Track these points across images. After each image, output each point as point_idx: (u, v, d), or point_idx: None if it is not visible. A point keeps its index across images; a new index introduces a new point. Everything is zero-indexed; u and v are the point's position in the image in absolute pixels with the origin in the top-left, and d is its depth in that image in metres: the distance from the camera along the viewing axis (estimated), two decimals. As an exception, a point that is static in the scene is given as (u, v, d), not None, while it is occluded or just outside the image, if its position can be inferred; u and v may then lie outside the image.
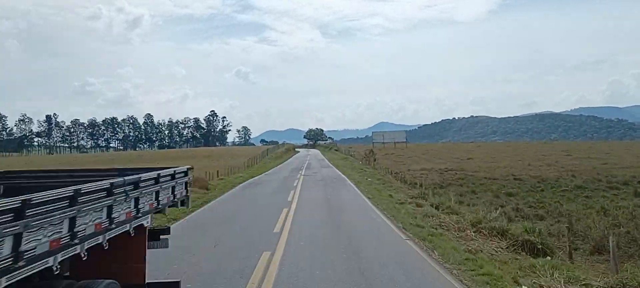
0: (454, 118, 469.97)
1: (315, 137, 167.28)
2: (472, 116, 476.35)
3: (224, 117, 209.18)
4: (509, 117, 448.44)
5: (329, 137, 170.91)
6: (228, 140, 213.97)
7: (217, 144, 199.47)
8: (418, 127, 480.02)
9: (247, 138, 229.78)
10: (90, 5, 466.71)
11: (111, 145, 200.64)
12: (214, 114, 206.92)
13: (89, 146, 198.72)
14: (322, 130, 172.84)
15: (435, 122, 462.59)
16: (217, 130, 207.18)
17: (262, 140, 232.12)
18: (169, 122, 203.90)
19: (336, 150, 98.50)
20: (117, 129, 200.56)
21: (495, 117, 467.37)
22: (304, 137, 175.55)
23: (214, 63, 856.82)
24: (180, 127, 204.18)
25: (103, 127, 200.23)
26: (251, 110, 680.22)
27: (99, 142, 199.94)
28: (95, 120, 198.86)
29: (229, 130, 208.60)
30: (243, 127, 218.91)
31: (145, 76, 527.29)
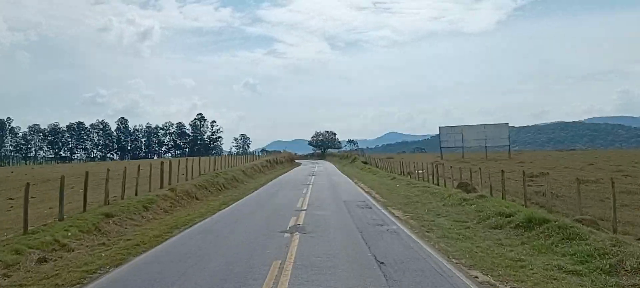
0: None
1: (324, 145, 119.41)
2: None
3: (214, 121, 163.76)
4: (528, 126, 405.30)
5: (348, 141, 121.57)
6: (224, 148, 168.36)
7: (213, 153, 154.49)
8: (431, 137, 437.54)
9: (246, 147, 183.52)
10: (101, 18, 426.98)
11: (76, 155, 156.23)
12: (201, 117, 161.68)
13: (51, 156, 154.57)
14: (334, 135, 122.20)
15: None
16: (206, 136, 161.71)
17: (263, 150, 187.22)
18: (147, 127, 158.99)
19: (364, 162, 52.18)
20: (84, 136, 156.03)
21: (513, 127, 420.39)
22: (309, 144, 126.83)
23: (223, 74, 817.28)
24: (160, 134, 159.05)
25: (67, 135, 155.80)
26: (259, 120, 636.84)
27: (62, 151, 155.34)
28: (57, 126, 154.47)
29: (220, 137, 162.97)
30: (241, 135, 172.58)
31: (155, 87, 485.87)
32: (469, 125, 57.19)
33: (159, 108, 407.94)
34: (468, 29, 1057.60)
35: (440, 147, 55.16)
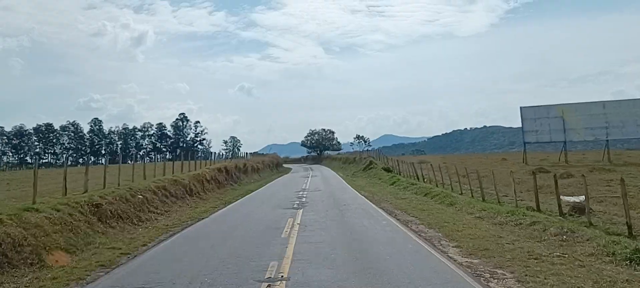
0: (466, 128, 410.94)
1: (320, 146, 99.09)
2: (484, 127, 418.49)
3: (198, 122, 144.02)
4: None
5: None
6: (213, 150, 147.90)
7: (198, 155, 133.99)
8: (428, 139, 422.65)
9: (237, 149, 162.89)
10: (95, 22, 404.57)
11: (45, 160, 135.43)
12: (184, 117, 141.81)
13: (15, 162, 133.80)
14: (332, 133, 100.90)
15: (446, 134, 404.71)
16: (189, 138, 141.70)
17: (254, 153, 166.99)
18: (123, 128, 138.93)
19: (387, 170, 32.10)
20: (53, 140, 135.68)
21: (510, 127, 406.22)
22: (302, 145, 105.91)
23: (218, 79, 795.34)
24: (137, 136, 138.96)
25: (34, 138, 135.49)
26: (254, 124, 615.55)
27: (28, 156, 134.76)
28: (23, 128, 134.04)
29: (204, 138, 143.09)
30: (231, 137, 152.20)
31: (149, 92, 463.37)
32: (577, 104, 33.52)
33: (154, 113, 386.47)
34: (461, 31, 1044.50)
35: (524, 142, 33.25)
